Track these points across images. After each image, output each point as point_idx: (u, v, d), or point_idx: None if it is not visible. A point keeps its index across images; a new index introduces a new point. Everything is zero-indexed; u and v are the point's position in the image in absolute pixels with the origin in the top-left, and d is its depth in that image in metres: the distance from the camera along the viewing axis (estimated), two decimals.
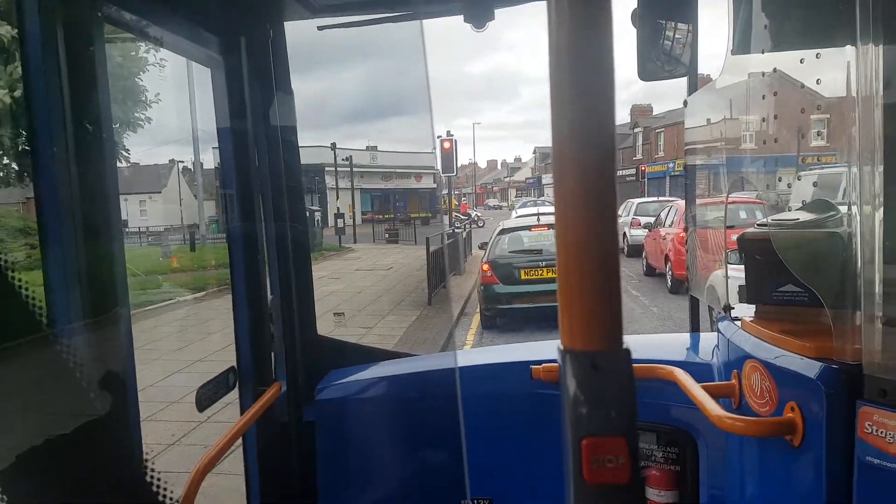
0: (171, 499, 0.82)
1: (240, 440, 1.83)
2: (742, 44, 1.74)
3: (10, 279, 0.69)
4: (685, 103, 2.37)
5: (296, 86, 2.09)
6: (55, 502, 0.70)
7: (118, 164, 1.40)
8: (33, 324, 0.70)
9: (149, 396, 6.22)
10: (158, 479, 0.80)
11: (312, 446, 2.02)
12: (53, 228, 1.13)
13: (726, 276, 1.90)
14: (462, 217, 30.83)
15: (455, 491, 1.97)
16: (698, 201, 2.30)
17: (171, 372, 7.52)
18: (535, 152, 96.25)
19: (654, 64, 2.19)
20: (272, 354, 1.99)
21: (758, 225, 1.64)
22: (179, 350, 8.81)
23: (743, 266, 1.64)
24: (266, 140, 1.96)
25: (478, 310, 11.49)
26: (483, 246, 12.58)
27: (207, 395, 1.72)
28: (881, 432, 1.12)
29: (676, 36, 2.44)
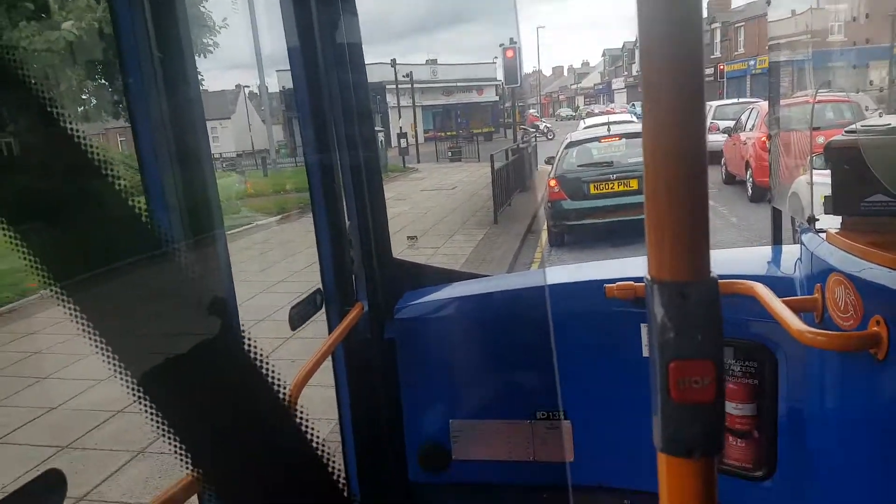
0: (283, 400, 0.87)
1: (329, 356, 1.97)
2: None
3: (118, 204, 0.75)
4: (768, 2, 2.19)
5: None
6: (176, 409, 0.77)
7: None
8: (138, 245, 0.74)
9: None
10: (271, 381, 0.83)
11: (394, 361, 2.17)
12: (149, 156, 1.21)
13: (811, 183, 1.81)
14: (530, 129, 29.85)
15: (531, 403, 2.07)
16: (782, 102, 2.16)
17: (256, 293, 7.99)
18: (604, 55, 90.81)
19: None
20: (353, 277, 2.10)
21: (846, 131, 1.55)
22: (263, 272, 9.31)
23: (828, 172, 1.57)
24: (335, 60, 1.94)
25: (545, 227, 11.38)
26: (550, 161, 12.27)
27: (299, 315, 1.85)
28: None
29: None
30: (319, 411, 4.17)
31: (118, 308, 0.76)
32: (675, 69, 0.61)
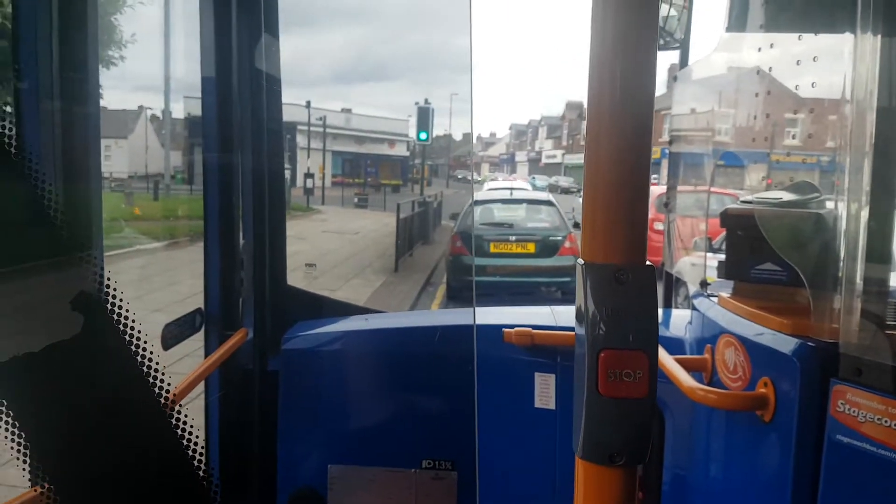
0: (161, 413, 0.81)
1: (201, 386, 1.78)
2: (738, 21, 1.72)
3: None
4: (675, 78, 2.37)
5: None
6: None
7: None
8: (7, 257, 0.69)
9: None
10: (140, 397, 0.78)
11: (275, 395, 1.99)
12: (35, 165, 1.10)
13: (704, 263, 1.92)
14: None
15: (417, 450, 1.96)
16: (679, 188, 2.31)
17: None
18: (510, 128, 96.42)
19: None
20: (240, 300, 1.93)
21: (742, 201, 1.65)
22: (138, 299, 8.58)
23: (711, 254, 1.66)
24: (250, 86, 1.89)
25: (443, 280, 11.48)
26: (454, 216, 12.56)
27: (173, 334, 1.66)
28: (853, 411, 1.14)
29: (671, 9, 2.42)
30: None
31: None
32: (625, 76, 0.59)
